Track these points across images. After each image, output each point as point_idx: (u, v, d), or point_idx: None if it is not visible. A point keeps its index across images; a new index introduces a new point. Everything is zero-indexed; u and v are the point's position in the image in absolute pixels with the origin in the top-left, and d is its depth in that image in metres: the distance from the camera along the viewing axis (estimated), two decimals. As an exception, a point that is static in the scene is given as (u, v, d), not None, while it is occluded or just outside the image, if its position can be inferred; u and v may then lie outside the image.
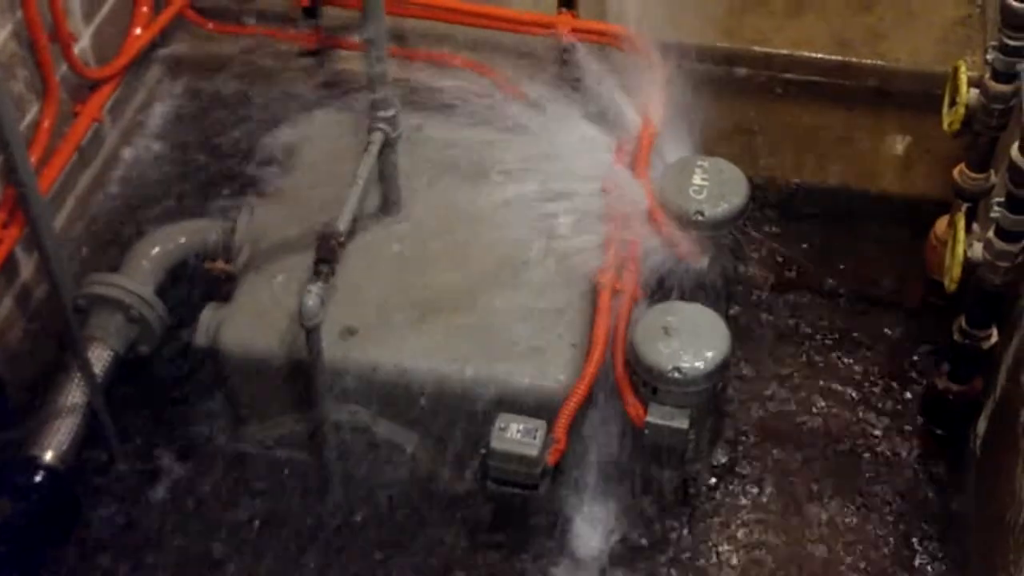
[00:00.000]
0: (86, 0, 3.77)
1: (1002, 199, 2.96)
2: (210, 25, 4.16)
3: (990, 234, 3.05)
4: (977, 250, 3.11)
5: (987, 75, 3.17)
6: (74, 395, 3.28)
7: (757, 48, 4.03)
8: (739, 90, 4.07)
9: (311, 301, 2.95)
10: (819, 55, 4.01)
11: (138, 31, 4.00)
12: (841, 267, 3.97)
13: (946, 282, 3.25)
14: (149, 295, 3.44)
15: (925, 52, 4.00)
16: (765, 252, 3.95)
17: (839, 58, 4.01)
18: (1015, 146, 2.84)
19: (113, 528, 3.40)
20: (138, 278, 3.46)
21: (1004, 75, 3.12)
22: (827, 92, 4.04)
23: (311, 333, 3.01)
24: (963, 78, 3.24)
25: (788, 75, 4.03)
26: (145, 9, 4.02)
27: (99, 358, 3.34)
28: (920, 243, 3.85)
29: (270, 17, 4.16)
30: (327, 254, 3.00)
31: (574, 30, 3.81)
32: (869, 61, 4.00)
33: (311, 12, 4.03)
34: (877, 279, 3.94)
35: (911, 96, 3.98)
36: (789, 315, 3.84)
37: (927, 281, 3.78)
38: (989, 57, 3.11)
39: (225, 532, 3.38)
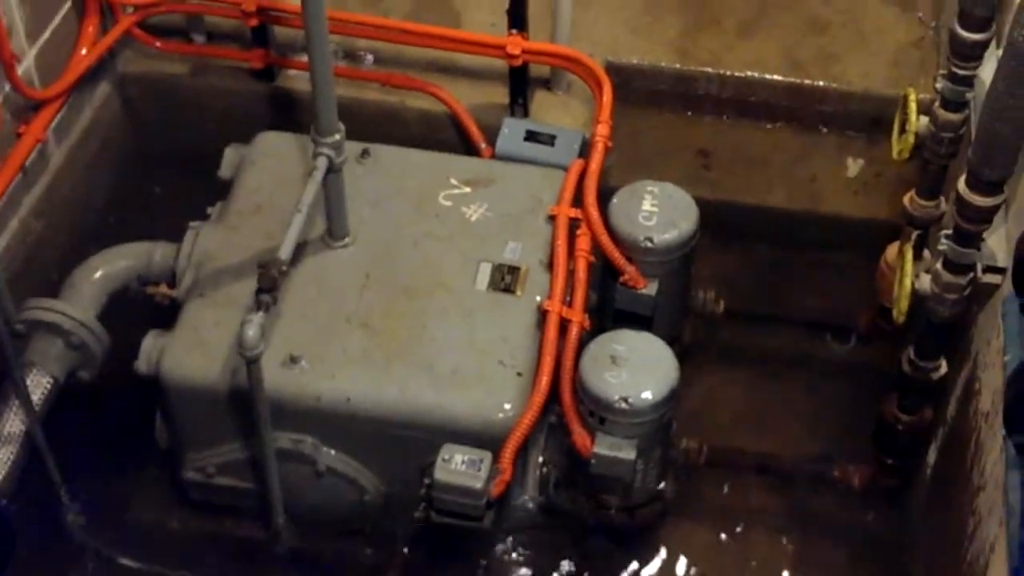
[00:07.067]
0: (30, 19, 3.69)
1: (950, 231, 2.93)
2: (157, 44, 4.09)
3: (938, 266, 3.02)
4: (925, 282, 3.08)
5: (937, 103, 3.15)
6: (12, 423, 3.22)
7: (710, 70, 4.01)
8: (691, 112, 4.05)
9: (251, 331, 2.89)
10: (771, 76, 4.00)
11: (84, 50, 3.93)
12: (792, 292, 3.94)
13: (895, 314, 3.22)
14: (90, 320, 3.37)
15: (877, 75, 3.99)
16: (715, 277, 3.91)
17: (791, 80, 3.99)
18: (962, 179, 2.82)
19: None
20: (79, 303, 3.40)
21: (953, 104, 3.10)
22: (779, 114, 4.03)
23: (251, 363, 2.96)
24: (913, 106, 3.22)
25: (740, 97, 4.02)
26: (91, 28, 3.95)
27: (38, 385, 3.27)
28: (871, 267, 3.82)
29: (218, 36, 4.10)
30: (268, 284, 2.95)
31: (525, 51, 3.77)
32: (821, 83, 3.98)
33: (260, 34, 3.97)
34: (828, 304, 3.92)
35: (863, 119, 3.97)
36: (739, 341, 3.81)
37: (878, 307, 3.76)
38: (938, 86, 3.09)
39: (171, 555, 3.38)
